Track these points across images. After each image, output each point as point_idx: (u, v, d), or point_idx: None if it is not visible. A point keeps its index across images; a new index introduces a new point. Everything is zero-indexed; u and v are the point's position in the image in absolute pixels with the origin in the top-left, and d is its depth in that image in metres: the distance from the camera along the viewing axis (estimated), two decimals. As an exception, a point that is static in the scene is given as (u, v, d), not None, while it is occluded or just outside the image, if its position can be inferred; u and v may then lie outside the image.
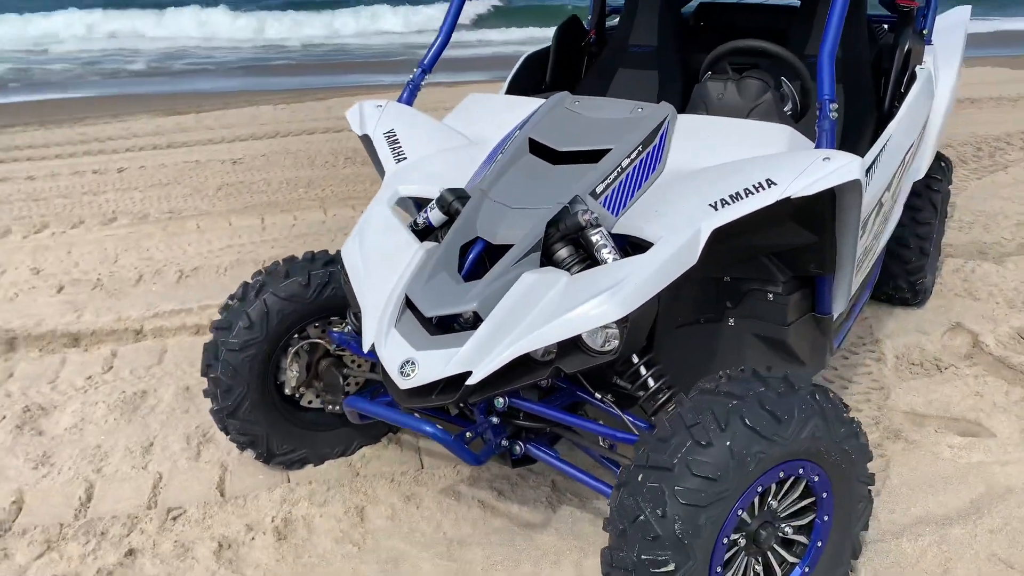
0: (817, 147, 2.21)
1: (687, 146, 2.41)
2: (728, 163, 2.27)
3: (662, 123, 2.46)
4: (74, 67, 15.23)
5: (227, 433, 2.70)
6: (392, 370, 2.03)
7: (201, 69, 15.04)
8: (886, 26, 3.79)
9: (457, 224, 2.27)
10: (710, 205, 2.08)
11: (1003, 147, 6.78)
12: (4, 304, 4.19)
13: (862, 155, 2.37)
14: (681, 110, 3.63)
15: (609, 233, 2.16)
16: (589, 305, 1.95)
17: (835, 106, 2.24)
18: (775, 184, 2.05)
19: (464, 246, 2.22)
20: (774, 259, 2.42)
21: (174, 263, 4.69)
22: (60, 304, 4.14)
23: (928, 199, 3.67)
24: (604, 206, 2.25)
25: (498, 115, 2.80)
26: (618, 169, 2.32)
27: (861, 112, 3.22)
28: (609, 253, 2.09)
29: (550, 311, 1.99)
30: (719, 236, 2.17)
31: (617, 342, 2.00)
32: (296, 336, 2.67)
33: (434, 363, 2.00)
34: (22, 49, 16.77)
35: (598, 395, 2.26)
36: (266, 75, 14.02)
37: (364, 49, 16.85)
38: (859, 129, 3.19)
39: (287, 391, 2.71)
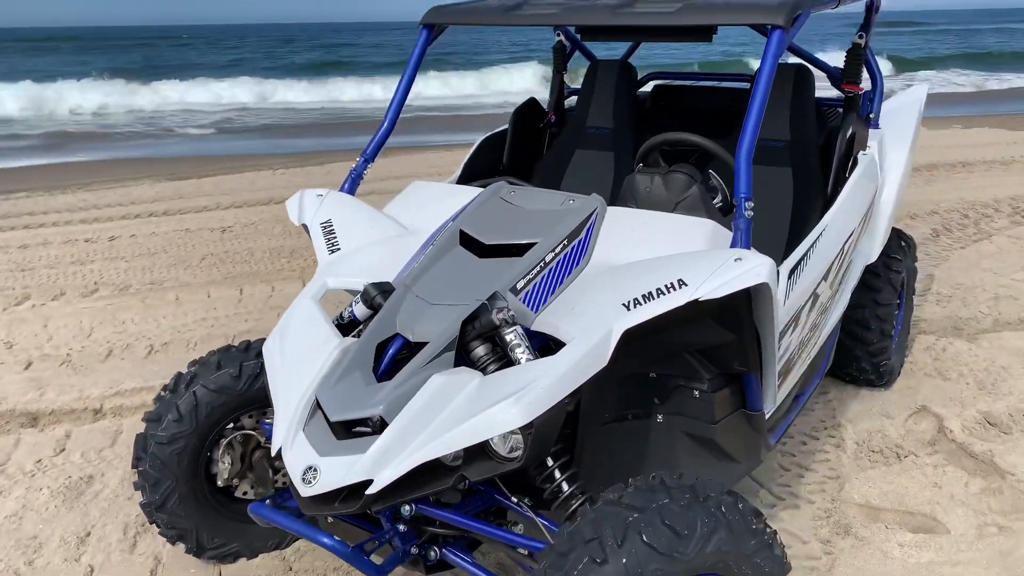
0: (732, 245, 2.19)
1: (612, 239, 2.40)
2: (646, 260, 2.25)
3: (589, 216, 2.45)
4: (91, 131, 15.67)
5: (156, 526, 2.67)
6: (295, 476, 2.00)
7: (213, 132, 15.40)
8: (840, 109, 3.80)
9: (376, 320, 2.26)
10: (623, 304, 2.05)
11: (990, 214, 6.74)
12: (-30, 380, 4.21)
13: None
14: (614, 195, 3.68)
15: (526, 331, 2.14)
16: (494, 410, 1.91)
17: (751, 204, 2.23)
18: (686, 285, 2.02)
19: (384, 343, 2.21)
20: (698, 356, 2.39)
21: (146, 337, 4.71)
22: (25, 381, 4.16)
23: (888, 280, 3.62)
24: (524, 302, 2.22)
25: (439, 204, 2.80)
26: (541, 263, 2.31)
27: (810, 197, 3.22)
28: (523, 353, 2.06)
29: (457, 415, 1.95)
30: (638, 333, 2.14)
31: (521, 450, 1.96)
32: (230, 427, 2.65)
33: (335, 470, 1.96)
34: (43, 114, 17.29)
35: (515, 499, 2.21)
36: (277, 137, 14.33)
37: (374, 112, 17.23)
38: (806, 215, 3.18)
39: (220, 483, 2.68)
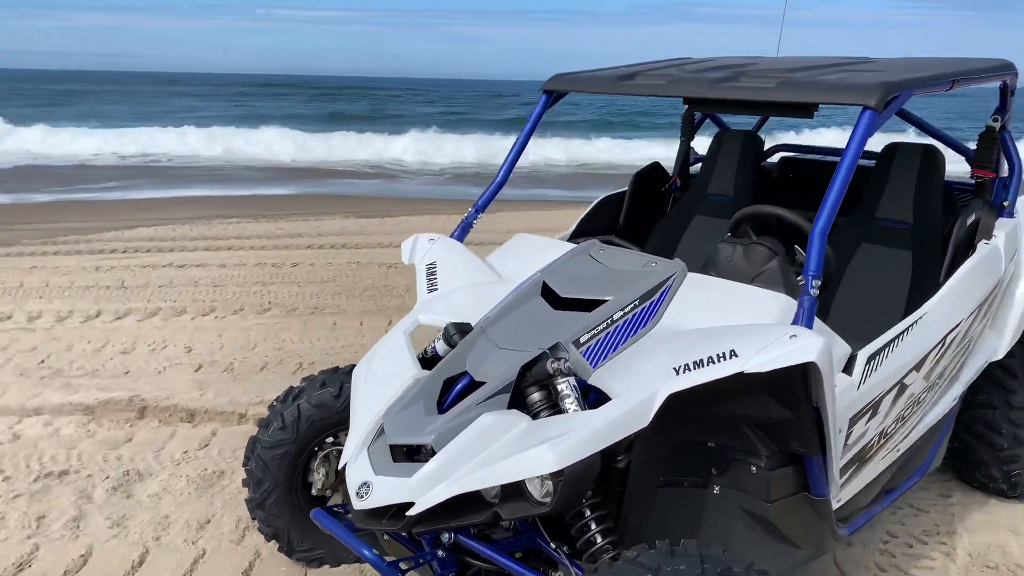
0: (794, 322, 2.19)
1: (686, 304, 2.46)
2: (707, 328, 2.30)
3: (666, 281, 2.54)
4: (309, 167, 17.43)
5: (256, 522, 2.99)
6: (352, 490, 2.22)
7: (414, 175, 16.65)
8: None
9: (448, 357, 2.46)
10: (674, 368, 2.11)
11: None
12: (153, 376, 4.87)
13: None
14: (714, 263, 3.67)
15: (580, 383, 2.25)
16: (529, 454, 2.03)
17: (818, 282, 2.22)
18: (736, 356, 2.06)
19: (454, 379, 2.40)
20: (757, 431, 2.37)
21: (298, 355, 5.22)
22: (192, 382, 4.76)
23: (1013, 375, 3.37)
24: (585, 355, 2.33)
25: (536, 256, 2.97)
26: (608, 320, 2.42)
27: (927, 284, 3.07)
28: (571, 403, 2.18)
29: (497, 454, 2.09)
30: (694, 400, 2.20)
31: (552, 496, 2.06)
32: (329, 440, 2.93)
33: (385, 489, 2.16)
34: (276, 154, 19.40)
35: (553, 544, 2.31)
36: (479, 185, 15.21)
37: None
38: (922, 302, 3.04)
39: (314, 491, 2.96)
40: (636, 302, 2.48)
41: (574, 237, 3.72)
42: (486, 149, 20.17)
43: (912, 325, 2.60)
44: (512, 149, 3.25)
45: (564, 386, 2.21)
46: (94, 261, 7.62)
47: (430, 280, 2.98)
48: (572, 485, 2.05)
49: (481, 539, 2.33)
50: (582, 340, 2.36)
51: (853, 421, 2.40)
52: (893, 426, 2.64)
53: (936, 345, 2.68)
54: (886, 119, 2.45)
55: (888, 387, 2.50)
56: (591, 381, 2.27)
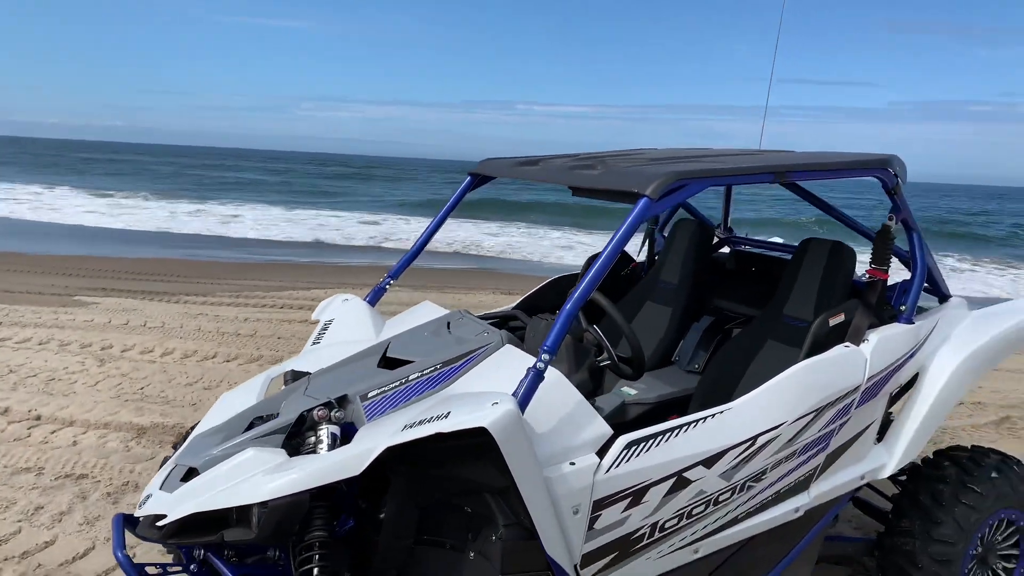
0: (513, 393, 2.23)
1: (489, 373, 2.55)
2: (458, 394, 2.41)
3: (476, 350, 2.68)
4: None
5: None
6: (141, 499, 2.56)
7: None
8: None
9: (267, 398, 2.77)
10: (407, 425, 2.25)
11: None
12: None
13: None
14: (670, 348, 3.61)
15: (341, 432, 2.44)
16: (249, 484, 2.26)
17: (546, 358, 2.24)
18: (445, 418, 2.16)
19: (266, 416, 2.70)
20: (499, 500, 2.38)
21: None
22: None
23: (952, 513, 2.98)
24: (367, 408, 2.53)
25: (424, 320, 3.20)
26: (402, 380, 2.61)
27: None
28: (322, 448, 2.39)
29: (231, 481, 2.34)
30: (436, 461, 2.32)
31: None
32: None
33: (155, 502, 2.48)
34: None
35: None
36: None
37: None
38: None
39: None
40: (438, 366, 2.64)
41: (513, 310, 3.85)
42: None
43: (702, 420, 2.46)
44: (429, 226, 3.50)
45: (323, 432, 2.43)
46: (247, 313, 8.77)
47: (319, 335, 3.30)
48: (275, 518, 2.23)
49: (238, 559, 2.54)
50: (370, 395, 2.57)
51: (601, 505, 2.33)
52: (677, 521, 2.48)
53: (739, 444, 2.50)
54: (664, 207, 2.43)
55: (657, 477, 2.39)
56: (361, 431, 2.45)
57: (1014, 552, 3.21)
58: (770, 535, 2.72)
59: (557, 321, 2.28)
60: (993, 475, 3.08)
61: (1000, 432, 5.84)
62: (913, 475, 3.23)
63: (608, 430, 2.37)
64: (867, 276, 2.92)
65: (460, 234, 20.22)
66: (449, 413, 2.16)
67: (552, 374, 2.45)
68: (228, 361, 6.82)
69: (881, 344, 2.80)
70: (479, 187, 3.48)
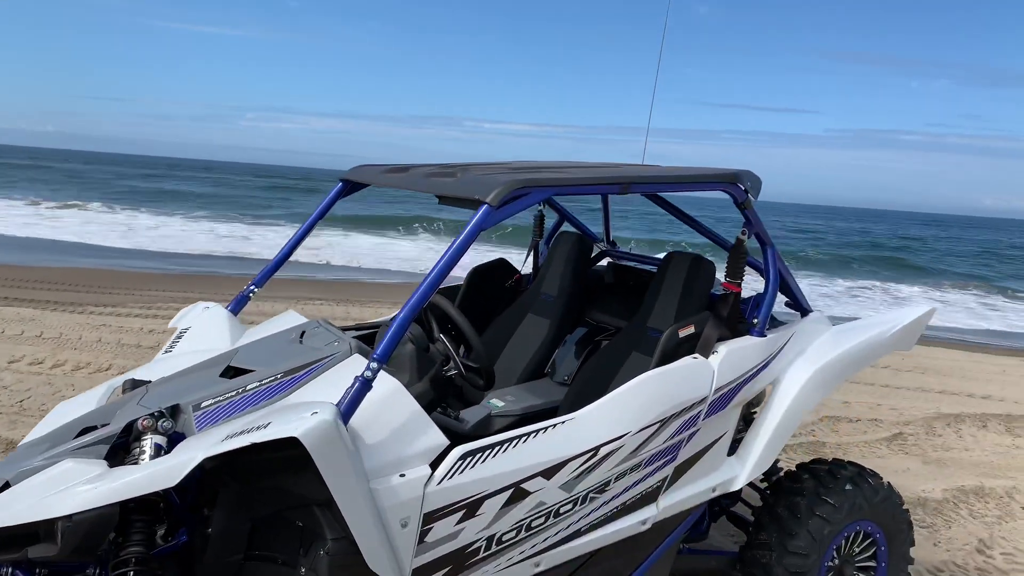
0: (338, 403, 2.16)
1: (335, 380, 2.46)
2: (291, 404, 2.33)
3: (320, 360, 2.60)
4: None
5: None
6: None
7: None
8: None
9: (99, 408, 2.64)
10: (228, 436, 2.15)
11: None
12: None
13: None
14: (543, 360, 3.58)
15: (169, 442, 2.32)
16: (53, 498, 2.12)
17: (374, 367, 2.19)
18: (264, 428, 2.07)
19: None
20: (327, 512, 2.30)
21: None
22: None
23: (807, 526, 3.01)
24: (201, 419, 2.41)
25: (282, 329, 3.10)
26: (239, 390, 2.51)
27: None
28: (144, 458, 2.26)
29: (40, 493, 2.19)
30: (264, 474, 2.22)
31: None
32: None
33: None
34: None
35: None
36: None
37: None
38: None
39: None
40: (279, 375, 2.55)
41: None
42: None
43: (543, 431, 2.43)
44: (296, 233, 3.41)
45: (147, 443, 2.31)
46: (155, 324, 8.48)
47: (173, 343, 3.18)
48: (80, 532, 2.10)
49: None
50: (203, 405, 2.46)
51: (433, 517, 2.27)
52: (516, 535, 2.43)
53: (580, 455, 2.47)
54: (506, 215, 2.40)
55: (493, 489, 2.34)
56: (184, 442, 2.34)
57: (871, 564, 3.26)
58: (617, 548, 2.70)
59: (389, 330, 2.23)
60: (847, 487, 3.12)
61: (891, 448, 5.98)
62: (775, 488, 3.26)
63: (443, 441, 2.32)
64: (723, 289, 2.94)
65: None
66: (269, 424, 2.09)
67: (389, 384, 2.40)
68: (122, 373, 6.56)
69: (730, 356, 2.81)
70: (351, 194, 3.41)
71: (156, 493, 2.32)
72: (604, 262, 4.08)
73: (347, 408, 2.15)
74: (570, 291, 3.73)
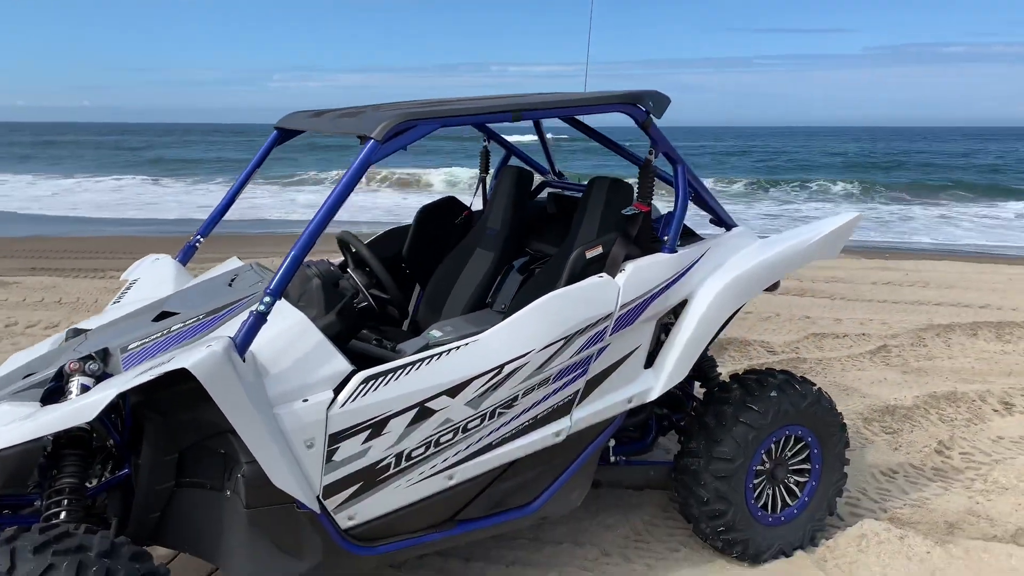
0: (235, 336, 2.34)
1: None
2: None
3: (242, 299, 2.79)
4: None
5: None
6: None
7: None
8: None
9: (41, 355, 2.85)
10: (141, 372, 2.34)
11: None
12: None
13: None
14: (485, 292, 3.73)
15: (96, 383, 2.51)
16: None
17: (268, 300, 2.35)
18: (165, 364, 2.26)
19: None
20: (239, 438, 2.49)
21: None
22: None
23: (731, 432, 3.17)
24: (125, 360, 2.62)
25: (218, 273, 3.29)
26: (164, 331, 2.71)
27: None
28: (70, 397, 2.45)
29: None
30: (186, 406, 2.42)
31: None
32: None
33: None
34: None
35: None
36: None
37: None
38: None
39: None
40: (201, 316, 2.75)
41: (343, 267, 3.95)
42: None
43: (446, 352, 2.60)
44: (236, 183, 3.57)
45: (74, 384, 2.49)
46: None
47: (123, 294, 3.38)
48: (8, 467, 2.25)
49: (11, 512, 2.64)
50: (130, 347, 2.67)
51: (338, 438, 2.46)
52: (425, 451, 2.62)
53: (484, 374, 2.63)
54: (393, 149, 2.52)
55: (397, 409, 2.52)
56: (104, 382, 2.53)
57: (806, 466, 3.39)
58: (533, 459, 2.87)
59: (283, 264, 2.39)
60: (773, 394, 3.23)
61: (873, 361, 6.04)
62: (705, 398, 3.39)
63: (346, 367, 2.49)
64: (630, 209, 3.03)
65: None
66: (172, 359, 2.27)
67: (292, 317, 2.57)
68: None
69: (636, 273, 2.92)
70: (287, 141, 3.54)
71: (84, 429, 2.56)
72: (545, 193, 4.17)
73: (242, 340, 2.33)
74: (511, 223, 3.84)
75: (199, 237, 3.57)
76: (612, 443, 3.35)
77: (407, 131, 2.54)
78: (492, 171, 4.30)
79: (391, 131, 2.50)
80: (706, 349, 3.59)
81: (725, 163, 38.56)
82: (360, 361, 2.63)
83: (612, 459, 3.37)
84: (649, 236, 3.09)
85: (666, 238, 3.05)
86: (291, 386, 2.44)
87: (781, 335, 6.68)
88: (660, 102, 3.02)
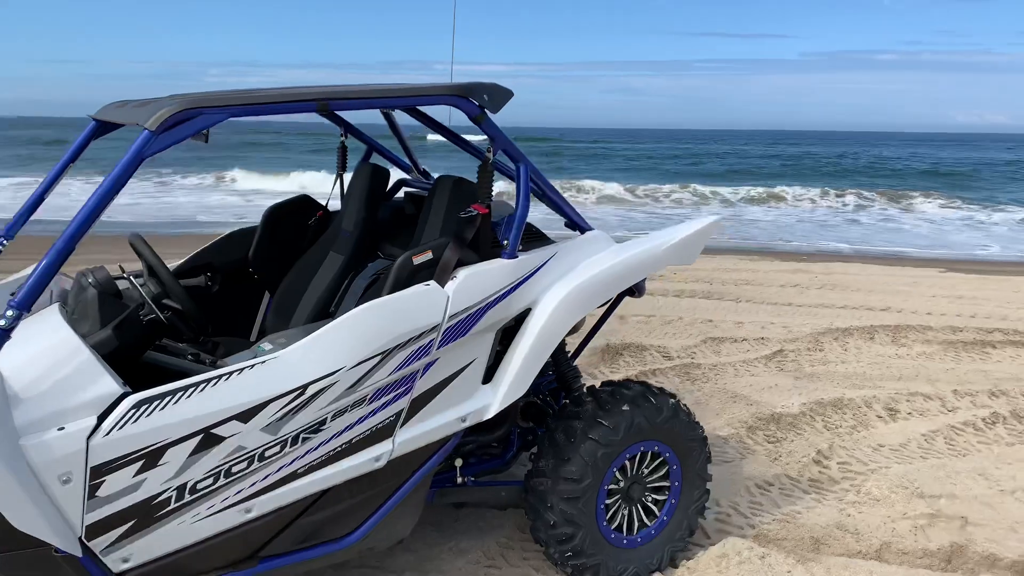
0: None
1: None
2: None
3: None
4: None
5: None
6: None
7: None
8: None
9: None
10: None
11: None
12: None
13: None
14: (331, 299, 3.46)
15: None
16: None
17: (10, 314, 2.10)
18: None
19: None
20: None
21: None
22: None
23: (579, 451, 2.97)
24: None
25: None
26: None
27: None
28: None
29: None
30: None
31: None
32: None
33: None
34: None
35: None
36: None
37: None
38: None
39: None
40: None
41: (182, 268, 3.64)
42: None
43: (237, 372, 2.33)
44: (45, 179, 3.22)
45: None
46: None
47: None
48: None
49: None
50: None
51: (103, 471, 2.17)
52: (214, 482, 2.33)
53: (284, 395, 2.36)
54: (171, 141, 2.24)
55: (176, 436, 2.24)
56: None
57: (665, 484, 3.21)
58: (352, 487, 2.61)
59: (32, 274, 2.09)
60: (625, 408, 3.04)
61: (768, 366, 5.95)
62: (558, 413, 3.18)
63: (115, 389, 2.20)
64: (470, 211, 2.79)
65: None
66: None
67: (57, 333, 2.28)
68: None
69: (468, 281, 2.69)
70: (105, 134, 3.21)
71: None
72: (401, 192, 3.93)
73: None
74: (363, 225, 3.57)
75: (2, 240, 3.21)
76: (459, 463, 3.12)
77: (185, 122, 2.25)
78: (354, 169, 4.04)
79: (167, 121, 2.22)
80: (572, 359, 3.40)
81: (659, 168, 38.84)
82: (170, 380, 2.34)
83: (459, 479, 3.14)
84: (489, 240, 2.86)
85: (506, 242, 2.82)
86: (45, 412, 2.13)
87: (680, 339, 6.55)
88: (497, 96, 2.79)
